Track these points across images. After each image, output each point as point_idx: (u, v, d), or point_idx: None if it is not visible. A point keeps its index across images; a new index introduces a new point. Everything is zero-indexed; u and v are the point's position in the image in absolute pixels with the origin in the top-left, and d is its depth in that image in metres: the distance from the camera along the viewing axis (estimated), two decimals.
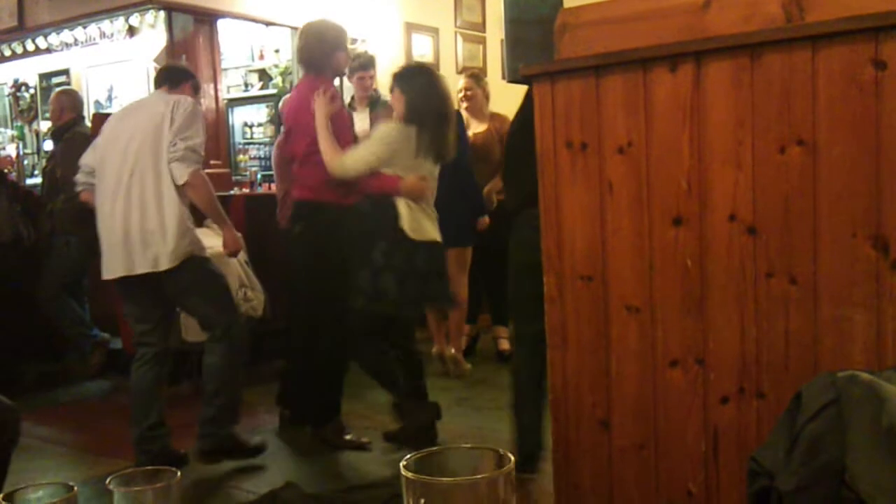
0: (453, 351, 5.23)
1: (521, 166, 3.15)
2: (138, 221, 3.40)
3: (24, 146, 8.40)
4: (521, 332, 3.23)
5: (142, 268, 3.40)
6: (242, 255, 5.04)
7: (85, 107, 6.52)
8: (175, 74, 3.79)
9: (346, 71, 4.21)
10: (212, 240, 3.97)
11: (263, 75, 8.28)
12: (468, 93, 5.55)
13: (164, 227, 3.42)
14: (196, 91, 3.83)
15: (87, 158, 3.74)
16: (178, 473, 0.94)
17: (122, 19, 5.94)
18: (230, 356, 3.57)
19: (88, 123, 5.68)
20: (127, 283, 3.51)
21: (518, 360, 3.22)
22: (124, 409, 3.82)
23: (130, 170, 3.45)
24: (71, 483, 0.92)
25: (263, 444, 3.66)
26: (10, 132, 8.48)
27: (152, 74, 7.48)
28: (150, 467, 0.97)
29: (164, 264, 3.42)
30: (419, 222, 3.70)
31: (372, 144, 3.71)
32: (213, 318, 3.59)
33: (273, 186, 5.60)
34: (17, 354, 5.37)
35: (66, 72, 7.70)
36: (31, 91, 8.39)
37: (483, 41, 7.80)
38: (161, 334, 3.63)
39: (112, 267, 3.49)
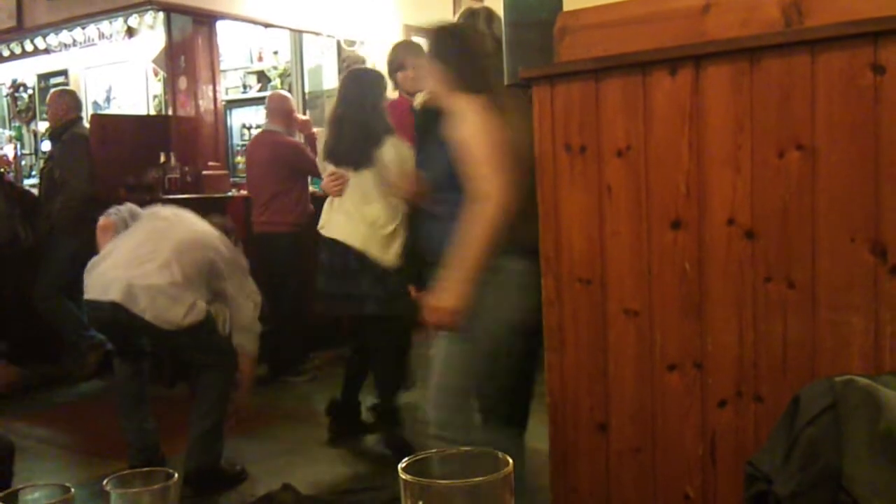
0: None
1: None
2: (151, 280, 3.35)
3: (22, 146, 8.41)
4: None
5: (138, 311, 3.33)
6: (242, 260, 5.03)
7: (83, 107, 6.52)
8: None
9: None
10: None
11: (262, 77, 8.28)
12: None
13: (177, 302, 3.36)
14: None
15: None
16: (176, 475, 0.94)
17: (120, 20, 5.93)
18: (227, 375, 3.56)
19: (86, 124, 5.67)
20: (106, 311, 3.40)
21: None
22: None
23: (168, 249, 3.42)
24: (68, 484, 0.91)
25: (244, 471, 3.63)
26: (7, 132, 8.49)
27: (151, 75, 7.51)
28: (147, 468, 0.97)
29: (165, 326, 3.36)
30: (329, 219, 3.86)
31: None
32: (209, 361, 3.55)
33: None
34: (14, 356, 5.37)
35: (64, 72, 7.71)
36: (30, 91, 8.40)
37: None
38: (137, 349, 3.60)
39: (102, 289, 3.37)
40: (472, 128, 2.43)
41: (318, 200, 5.25)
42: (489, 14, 3.10)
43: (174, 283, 3.34)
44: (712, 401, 2.13)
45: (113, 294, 3.32)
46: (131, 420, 3.55)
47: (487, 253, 2.38)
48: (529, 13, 2.47)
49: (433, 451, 0.79)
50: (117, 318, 3.35)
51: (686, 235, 2.13)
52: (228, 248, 3.66)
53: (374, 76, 4.02)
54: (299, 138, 5.50)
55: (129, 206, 3.76)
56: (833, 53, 1.89)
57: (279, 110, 5.33)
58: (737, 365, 2.08)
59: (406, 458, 0.76)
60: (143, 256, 3.40)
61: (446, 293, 2.42)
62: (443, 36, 2.70)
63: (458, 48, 2.62)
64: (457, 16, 3.14)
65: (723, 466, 2.13)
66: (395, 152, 3.69)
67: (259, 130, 6.28)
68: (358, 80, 3.95)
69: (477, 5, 3.19)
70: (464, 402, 2.59)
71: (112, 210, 3.73)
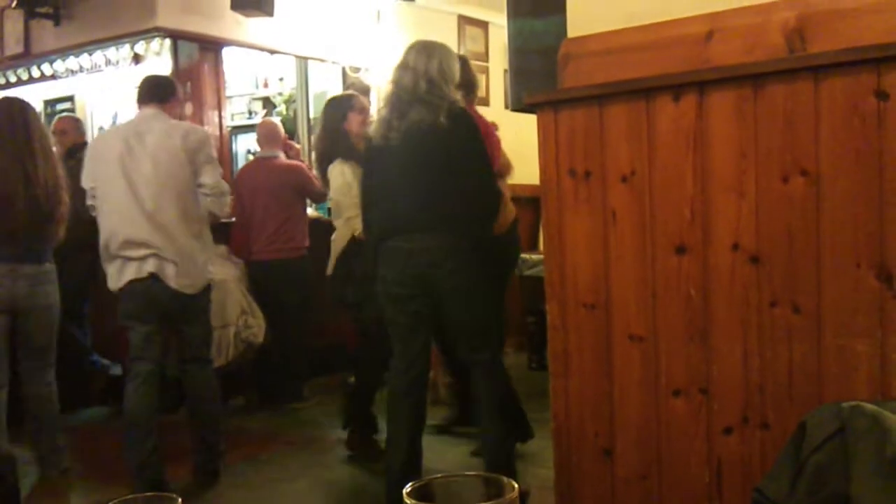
0: (448, 379, 5.20)
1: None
2: (163, 243, 3.48)
3: None
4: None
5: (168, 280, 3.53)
6: (244, 283, 5.04)
7: (88, 133, 6.55)
8: (164, 89, 3.84)
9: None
10: (214, 267, 3.98)
11: (267, 103, 8.31)
12: None
13: (192, 256, 3.58)
14: (179, 101, 4.00)
15: (87, 181, 3.81)
16: (180, 500, 0.93)
17: (127, 47, 5.96)
18: (214, 376, 3.80)
19: None
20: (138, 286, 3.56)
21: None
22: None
23: (151, 196, 3.54)
24: None
25: None
26: None
27: None
28: (150, 494, 0.96)
29: (189, 290, 3.58)
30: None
31: None
32: (207, 340, 3.79)
33: None
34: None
35: (70, 98, 7.73)
36: None
37: (486, 71, 7.83)
38: (155, 347, 3.63)
39: (128, 272, 3.56)
40: None
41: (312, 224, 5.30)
42: (434, 50, 3.15)
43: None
44: (718, 427, 2.12)
45: (148, 267, 3.53)
46: (137, 451, 3.53)
47: None
48: (534, 40, 2.48)
49: (437, 475, 0.79)
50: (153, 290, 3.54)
51: (691, 260, 2.13)
52: None
53: (338, 101, 4.27)
54: None
55: (89, 193, 3.95)
56: (836, 80, 1.90)
57: (273, 136, 5.36)
58: (742, 391, 2.07)
59: (410, 484, 0.76)
60: (151, 226, 3.63)
61: None
62: None
63: None
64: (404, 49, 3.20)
65: (729, 493, 2.11)
66: (338, 176, 3.92)
67: (253, 158, 6.23)
68: (327, 106, 4.25)
69: (430, 41, 3.22)
70: None
71: (91, 208, 3.95)
